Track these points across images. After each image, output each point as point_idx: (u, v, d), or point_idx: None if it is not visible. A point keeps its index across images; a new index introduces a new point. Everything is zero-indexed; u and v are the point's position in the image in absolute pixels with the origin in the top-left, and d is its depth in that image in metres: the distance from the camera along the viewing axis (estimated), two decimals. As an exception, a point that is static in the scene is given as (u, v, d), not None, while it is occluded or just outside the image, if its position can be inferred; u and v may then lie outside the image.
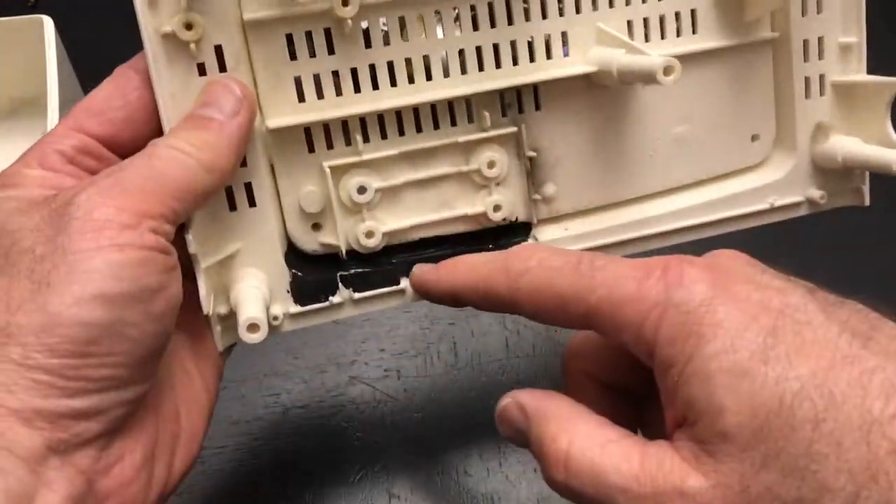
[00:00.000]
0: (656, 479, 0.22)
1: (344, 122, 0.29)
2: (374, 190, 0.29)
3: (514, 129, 0.30)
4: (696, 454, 0.21)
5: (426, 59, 0.29)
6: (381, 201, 0.30)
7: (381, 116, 0.29)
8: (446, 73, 0.29)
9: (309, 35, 0.28)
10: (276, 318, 0.29)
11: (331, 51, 0.28)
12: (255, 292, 0.27)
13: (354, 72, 0.28)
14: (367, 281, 0.30)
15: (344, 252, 0.30)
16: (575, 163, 0.32)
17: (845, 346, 0.21)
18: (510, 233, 0.31)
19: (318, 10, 0.27)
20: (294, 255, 0.30)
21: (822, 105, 0.33)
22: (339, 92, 0.29)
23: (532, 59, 0.30)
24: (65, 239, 0.22)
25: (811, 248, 0.42)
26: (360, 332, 0.44)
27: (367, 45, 0.28)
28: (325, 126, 0.29)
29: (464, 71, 0.29)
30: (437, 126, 0.30)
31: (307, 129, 0.29)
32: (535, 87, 0.30)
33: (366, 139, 0.29)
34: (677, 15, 0.31)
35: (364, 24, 0.28)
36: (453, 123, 0.30)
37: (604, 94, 0.31)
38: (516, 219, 0.31)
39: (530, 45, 0.30)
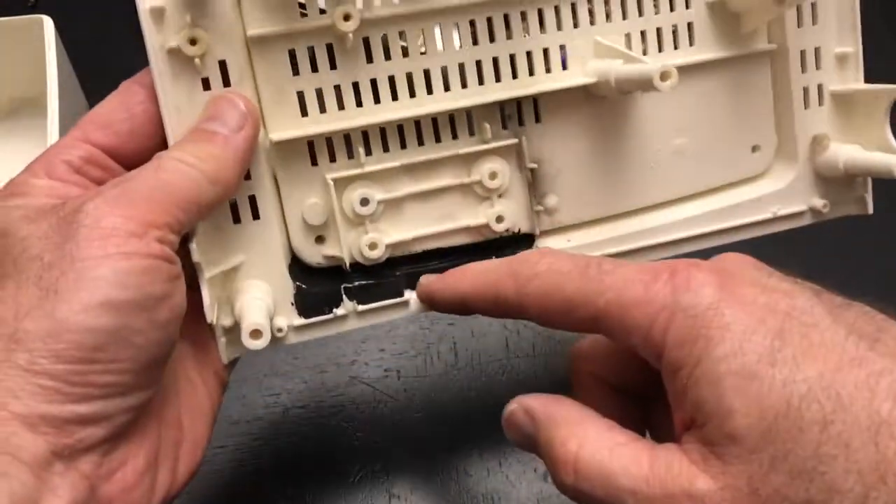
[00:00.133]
0: (665, 481, 0.22)
1: (346, 136, 0.29)
2: (377, 202, 0.30)
3: (514, 140, 0.30)
4: (704, 456, 0.22)
5: (427, 73, 0.29)
6: (384, 213, 0.30)
7: (383, 130, 0.30)
8: (447, 87, 0.30)
9: (311, 50, 0.28)
10: (280, 329, 0.29)
11: (333, 66, 0.29)
12: (259, 302, 0.27)
13: (356, 86, 0.29)
14: (370, 293, 0.30)
15: (347, 264, 0.30)
16: (576, 174, 0.32)
17: (852, 348, 0.21)
18: (513, 244, 0.32)
19: (320, 25, 0.28)
20: (298, 267, 0.30)
21: (822, 115, 0.33)
22: (341, 106, 0.29)
23: (531, 73, 0.30)
24: (73, 246, 0.23)
25: (817, 251, 0.42)
26: (360, 332, 0.44)
27: (369, 59, 0.29)
28: (328, 139, 0.29)
29: (464, 84, 0.30)
30: (438, 139, 0.30)
31: (310, 143, 0.29)
32: (534, 100, 0.31)
33: (368, 152, 0.30)
34: (674, 28, 0.31)
35: (365, 40, 0.29)
36: (454, 136, 0.30)
37: (603, 105, 0.31)
38: (519, 230, 0.31)
39: (529, 58, 0.30)
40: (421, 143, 0.30)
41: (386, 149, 0.30)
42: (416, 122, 0.30)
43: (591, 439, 0.24)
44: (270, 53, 0.28)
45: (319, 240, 0.30)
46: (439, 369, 0.42)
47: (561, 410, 0.25)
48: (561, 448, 0.24)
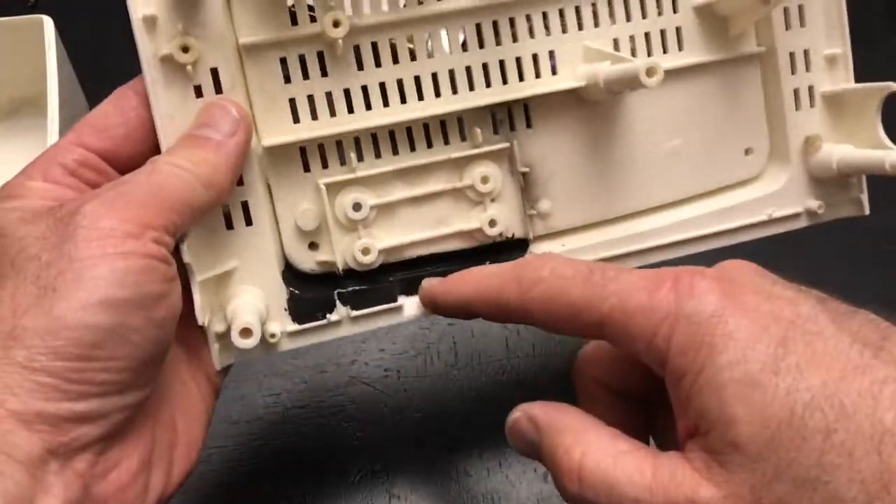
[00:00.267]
0: (668, 489, 0.22)
1: (338, 142, 0.30)
2: (370, 207, 0.30)
3: (506, 144, 0.31)
4: (707, 464, 0.21)
5: (417, 79, 0.30)
6: (377, 219, 0.30)
7: (374, 136, 0.30)
8: (437, 93, 0.30)
9: (302, 58, 0.29)
10: (273, 335, 0.29)
11: (324, 73, 0.29)
12: (251, 305, 0.27)
13: (347, 93, 0.29)
14: (364, 298, 0.30)
15: (341, 269, 0.30)
16: (569, 179, 0.32)
17: (856, 357, 0.21)
18: (507, 249, 0.32)
19: (310, 33, 0.28)
20: (292, 273, 0.30)
21: (813, 116, 0.33)
22: (332, 112, 0.29)
23: (521, 78, 0.31)
24: (71, 247, 0.23)
25: (819, 257, 0.42)
26: (360, 333, 0.43)
27: (360, 67, 0.29)
28: (320, 146, 0.29)
29: (455, 90, 0.30)
30: (430, 144, 0.30)
31: (302, 149, 0.29)
32: (525, 106, 0.31)
33: (360, 158, 0.30)
34: (663, 32, 0.32)
35: (355, 47, 0.29)
36: (446, 142, 0.31)
37: (594, 110, 0.32)
38: (513, 235, 0.32)
39: (519, 64, 0.30)
40: (413, 148, 0.30)
41: (378, 154, 0.30)
42: (408, 129, 0.30)
43: (595, 448, 0.24)
44: (262, 61, 0.28)
45: (313, 246, 0.30)
46: (439, 369, 0.42)
47: (564, 418, 0.25)
48: (565, 456, 0.24)
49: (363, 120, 0.29)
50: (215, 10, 0.27)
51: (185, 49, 0.27)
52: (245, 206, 0.29)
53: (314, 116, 0.29)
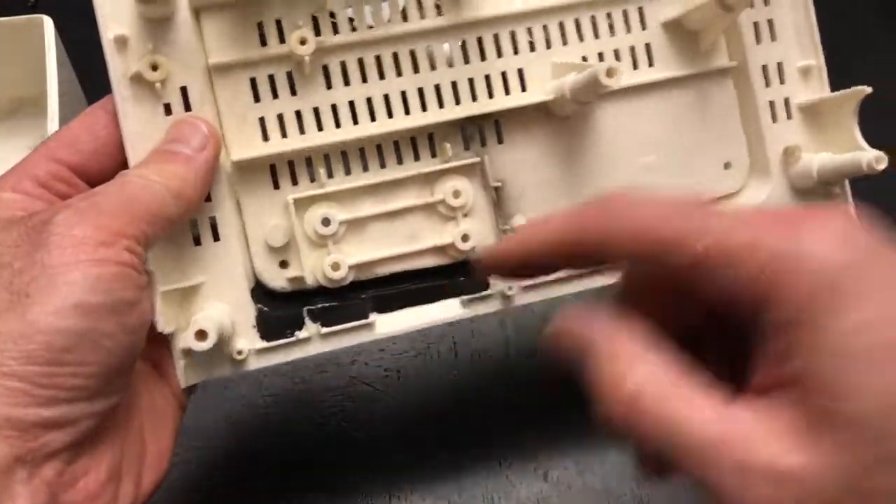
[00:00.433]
0: (745, 446, 0.19)
1: (308, 159, 0.30)
2: (339, 222, 0.30)
3: (476, 159, 0.31)
4: (800, 428, 0.19)
5: (387, 97, 0.30)
6: (348, 234, 0.30)
7: (344, 153, 0.30)
8: (407, 111, 0.30)
9: (272, 78, 0.29)
10: (240, 352, 0.28)
11: (293, 92, 0.29)
12: (213, 317, 0.27)
13: (317, 111, 0.30)
14: (335, 315, 0.30)
15: (311, 285, 0.30)
16: (543, 194, 0.32)
17: None
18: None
19: (279, 53, 0.29)
20: (262, 291, 0.30)
21: (791, 128, 0.33)
22: (302, 130, 0.30)
23: (491, 96, 0.31)
24: (44, 254, 0.23)
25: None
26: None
27: (329, 85, 0.30)
28: (290, 163, 0.30)
29: (424, 108, 0.30)
30: (400, 161, 0.31)
31: (272, 166, 0.30)
32: (496, 122, 0.31)
33: (330, 174, 0.30)
34: (632, 49, 0.32)
35: (324, 66, 0.30)
36: (416, 158, 0.31)
37: (565, 125, 0.32)
38: (487, 252, 0.31)
39: (488, 81, 0.31)
40: (383, 165, 0.30)
41: (348, 171, 0.30)
42: (378, 146, 0.30)
43: (656, 379, 0.20)
44: (232, 81, 0.29)
45: (283, 265, 0.30)
46: (439, 369, 0.42)
47: (619, 336, 0.22)
48: (616, 382, 0.21)
49: (332, 136, 0.30)
50: (185, 30, 0.28)
51: (155, 67, 0.28)
52: (213, 222, 0.29)
53: (283, 134, 0.29)
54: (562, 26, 0.31)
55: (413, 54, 0.30)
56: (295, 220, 0.29)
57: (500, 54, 0.31)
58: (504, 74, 0.31)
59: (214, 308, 0.28)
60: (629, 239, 0.22)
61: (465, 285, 0.31)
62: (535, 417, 0.40)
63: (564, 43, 0.31)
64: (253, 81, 0.29)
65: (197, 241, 0.29)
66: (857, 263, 0.19)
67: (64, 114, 0.38)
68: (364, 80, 0.30)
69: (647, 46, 0.32)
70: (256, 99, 0.29)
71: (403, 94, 0.30)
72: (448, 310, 0.31)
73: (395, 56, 0.30)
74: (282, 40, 0.29)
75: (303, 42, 0.28)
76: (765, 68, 0.33)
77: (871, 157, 0.29)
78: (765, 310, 0.20)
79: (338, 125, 0.30)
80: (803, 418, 0.19)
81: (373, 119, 0.30)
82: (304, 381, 0.41)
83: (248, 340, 0.29)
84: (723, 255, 0.20)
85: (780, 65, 0.33)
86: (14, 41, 0.42)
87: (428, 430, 0.40)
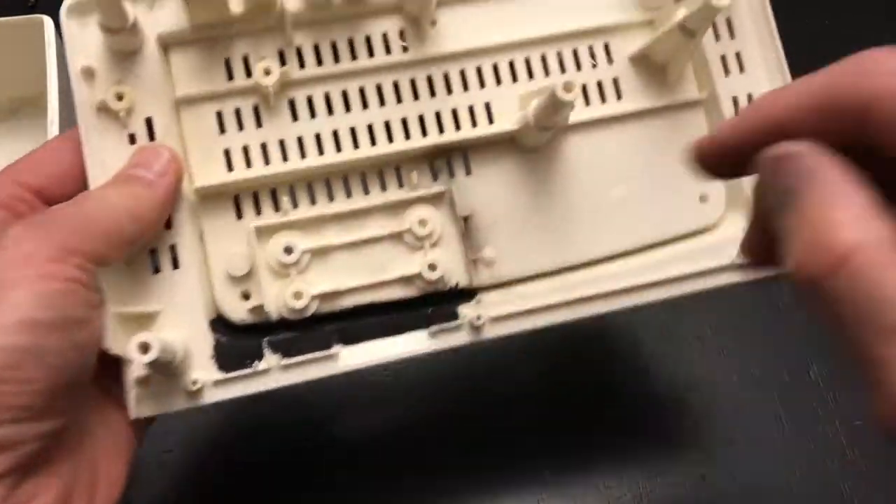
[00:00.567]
0: None
1: (273, 191, 0.30)
2: (302, 251, 0.29)
3: (442, 188, 0.30)
4: None
5: (353, 129, 0.30)
6: (312, 264, 0.29)
7: (310, 184, 0.30)
8: (373, 142, 0.30)
9: (238, 111, 0.30)
10: (195, 382, 0.27)
11: (259, 124, 0.30)
12: (165, 337, 0.26)
13: (282, 143, 0.30)
14: (296, 346, 0.29)
15: (273, 315, 0.29)
16: (513, 226, 0.31)
17: None
18: (451, 299, 0.30)
19: (245, 86, 0.29)
20: (223, 323, 0.29)
21: (765, 158, 0.32)
22: (267, 161, 0.30)
23: (458, 128, 0.31)
24: None
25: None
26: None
27: (294, 118, 0.30)
28: (255, 194, 0.30)
29: (391, 140, 0.30)
30: (367, 191, 0.30)
31: (236, 197, 0.29)
32: (465, 155, 0.31)
33: (295, 205, 0.30)
34: (600, 84, 0.32)
35: (290, 100, 0.30)
36: (384, 189, 0.30)
37: (534, 157, 0.31)
38: (457, 284, 0.30)
39: (455, 114, 0.31)
40: (349, 195, 0.30)
41: (313, 201, 0.30)
42: (345, 176, 0.30)
43: (880, 242, 0.17)
44: (198, 113, 0.29)
45: (245, 296, 0.29)
46: (440, 369, 0.41)
47: (852, 184, 0.18)
48: (833, 229, 0.17)
49: (297, 166, 0.29)
50: (152, 63, 0.29)
51: (120, 97, 0.28)
52: (173, 250, 0.28)
53: (248, 164, 0.29)
54: (528, 62, 0.32)
55: (380, 88, 0.31)
56: (257, 249, 0.29)
57: (466, 88, 0.31)
58: (471, 108, 0.31)
59: (169, 334, 0.27)
60: (892, 106, 0.19)
61: (434, 317, 0.30)
62: (535, 415, 0.40)
63: (531, 77, 0.32)
64: (219, 114, 0.29)
65: (156, 269, 0.28)
66: None
67: (64, 114, 0.38)
68: (330, 112, 0.30)
69: (615, 80, 0.32)
70: (222, 130, 0.29)
71: (370, 126, 0.30)
72: (416, 342, 0.30)
73: (362, 90, 0.30)
74: (248, 75, 0.30)
75: (267, 73, 0.29)
76: (735, 100, 0.32)
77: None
78: None
79: (303, 156, 0.30)
80: None
81: (339, 150, 0.30)
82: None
83: (204, 371, 0.28)
84: None
85: (750, 96, 0.33)
86: (14, 41, 0.42)
87: (428, 430, 0.40)
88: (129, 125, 0.28)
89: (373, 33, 0.31)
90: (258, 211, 0.30)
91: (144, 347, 0.24)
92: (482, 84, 0.31)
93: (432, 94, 0.31)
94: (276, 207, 0.30)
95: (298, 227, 0.29)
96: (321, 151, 0.30)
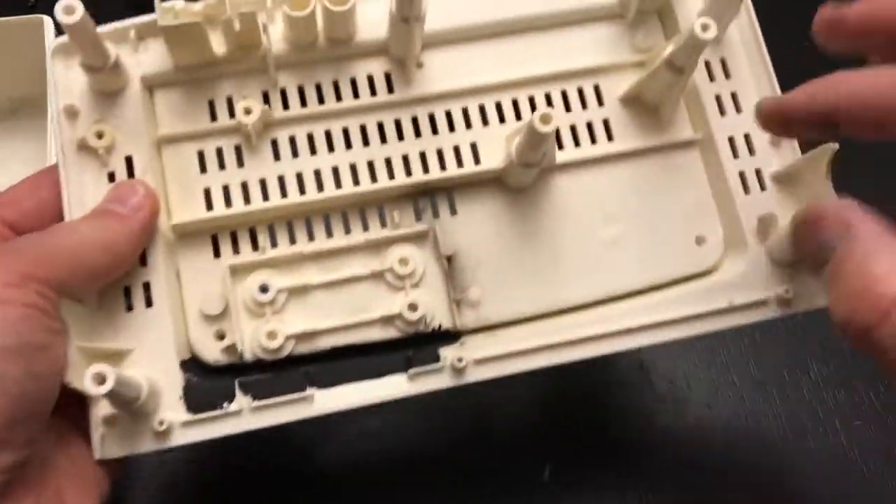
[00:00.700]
0: None
1: (252, 230, 0.29)
2: (278, 290, 0.28)
3: (425, 227, 0.30)
4: None
5: (335, 169, 0.30)
6: (289, 304, 0.29)
7: (290, 223, 0.29)
8: (356, 182, 0.30)
9: (220, 151, 0.29)
10: (161, 422, 0.26)
11: (240, 164, 0.29)
12: (126, 372, 0.25)
13: (263, 182, 0.29)
14: (269, 388, 0.28)
15: (247, 356, 0.28)
16: (499, 267, 0.30)
17: None
18: (434, 342, 0.29)
19: (228, 126, 0.29)
20: (196, 364, 0.28)
21: (765, 198, 0.31)
22: (247, 200, 0.29)
23: (443, 168, 0.30)
24: None
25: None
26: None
27: (276, 157, 0.30)
28: (233, 233, 0.29)
29: (374, 179, 0.30)
30: (348, 231, 0.30)
31: (214, 236, 0.29)
32: (449, 194, 0.30)
33: (274, 244, 0.29)
34: (589, 125, 0.31)
35: (273, 140, 0.30)
36: (365, 228, 0.30)
37: (522, 197, 0.31)
38: (439, 326, 0.29)
39: (440, 155, 0.30)
40: (330, 234, 0.29)
41: (293, 240, 0.29)
42: (326, 216, 0.30)
43: None
44: (179, 151, 0.29)
45: (220, 335, 0.28)
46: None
47: (884, 236, 0.20)
48: (876, 281, 0.19)
49: (277, 204, 0.29)
50: (135, 103, 0.29)
51: (100, 135, 0.28)
52: (147, 288, 0.28)
53: (228, 203, 0.29)
54: (515, 103, 0.31)
55: (364, 128, 0.30)
56: (231, 287, 0.28)
57: (452, 129, 0.31)
58: (457, 148, 0.31)
59: (137, 372, 0.27)
60: None
61: (415, 359, 0.29)
62: (536, 414, 0.40)
63: (518, 118, 0.31)
64: (200, 153, 0.29)
65: (130, 307, 0.28)
66: None
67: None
68: (313, 152, 0.30)
69: (605, 121, 0.32)
70: (203, 170, 0.29)
71: (353, 165, 0.30)
72: (395, 386, 0.28)
73: (346, 130, 0.30)
74: (232, 115, 0.30)
75: (248, 112, 0.29)
76: (731, 140, 0.31)
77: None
78: None
79: (284, 195, 0.29)
80: None
81: (321, 189, 0.30)
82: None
83: (173, 412, 0.27)
84: None
85: (747, 136, 0.31)
86: (14, 41, 0.42)
87: (429, 433, 0.40)
88: (109, 163, 0.28)
89: (358, 75, 0.31)
90: (236, 249, 0.29)
91: (100, 378, 0.23)
92: (468, 125, 0.31)
93: (417, 134, 0.31)
94: (255, 246, 0.29)
95: (276, 265, 0.29)
96: (302, 190, 0.29)
